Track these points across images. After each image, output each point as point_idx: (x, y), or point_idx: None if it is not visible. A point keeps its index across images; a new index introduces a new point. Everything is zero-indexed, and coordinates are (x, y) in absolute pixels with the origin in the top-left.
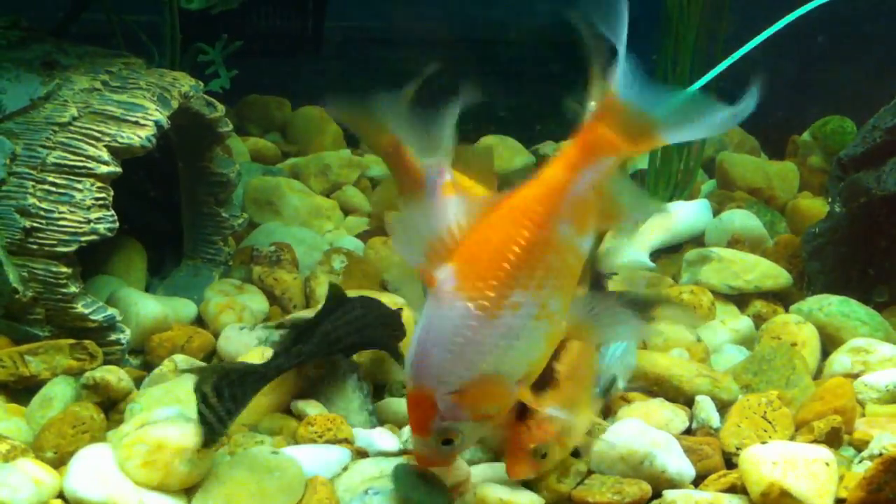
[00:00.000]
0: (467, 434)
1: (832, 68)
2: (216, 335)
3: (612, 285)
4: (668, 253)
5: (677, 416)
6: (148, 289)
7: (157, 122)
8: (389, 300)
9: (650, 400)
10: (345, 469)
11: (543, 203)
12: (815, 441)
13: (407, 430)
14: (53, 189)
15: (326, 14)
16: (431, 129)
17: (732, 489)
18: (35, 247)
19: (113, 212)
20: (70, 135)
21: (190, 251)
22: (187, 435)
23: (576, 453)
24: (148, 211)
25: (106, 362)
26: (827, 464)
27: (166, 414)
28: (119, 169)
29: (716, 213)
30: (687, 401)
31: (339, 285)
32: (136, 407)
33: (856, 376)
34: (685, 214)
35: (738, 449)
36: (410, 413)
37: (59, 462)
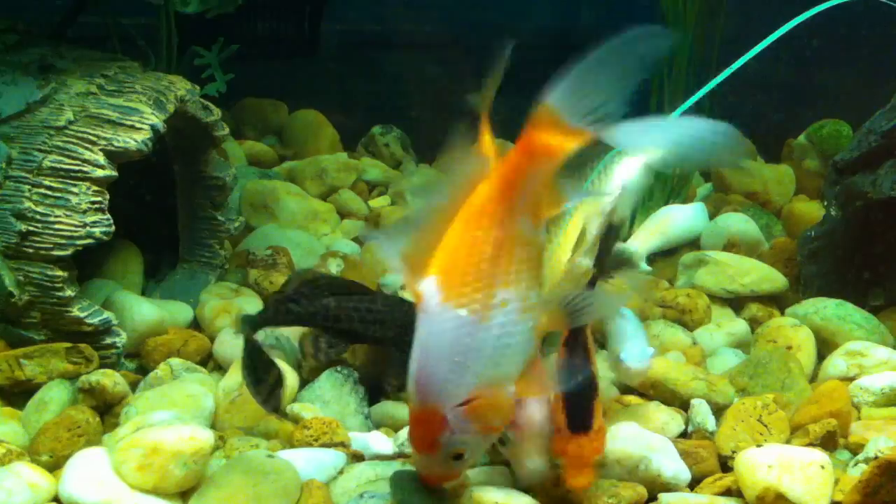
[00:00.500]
0: (475, 446)
1: (828, 72)
2: (212, 339)
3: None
4: (664, 256)
5: (673, 420)
6: (144, 292)
7: (153, 126)
8: None
9: (646, 403)
10: (340, 472)
11: (500, 202)
12: (811, 444)
13: (403, 433)
14: (49, 193)
15: (323, 17)
16: None
17: (728, 492)
18: (31, 250)
19: (109, 215)
20: (66, 138)
21: (186, 255)
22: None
23: None
24: (144, 215)
25: (102, 366)
26: (822, 467)
27: (162, 417)
28: (115, 173)
29: (712, 216)
30: (683, 404)
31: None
32: (131, 410)
33: (851, 379)
34: (681, 218)
35: (733, 452)
36: (416, 431)
37: (54, 466)
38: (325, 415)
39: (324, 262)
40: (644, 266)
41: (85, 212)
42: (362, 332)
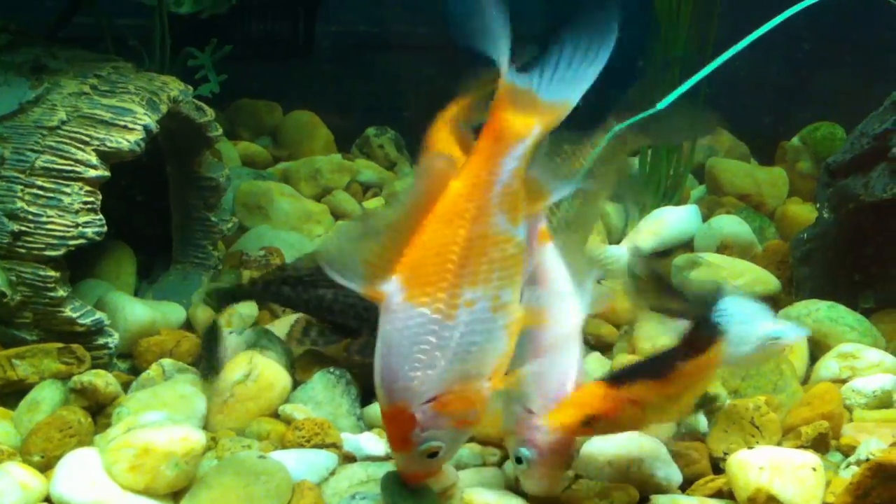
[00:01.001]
0: (449, 442)
1: (822, 74)
2: None
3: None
4: (657, 258)
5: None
6: (137, 293)
7: (145, 127)
8: None
9: None
10: (332, 474)
11: (472, 199)
12: (803, 446)
13: None
14: (42, 193)
15: (317, 18)
16: None
17: (720, 494)
18: (23, 250)
19: (101, 216)
20: (59, 139)
21: (179, 255)
22: None
23: None
24: (137, 215)
25: (94, 366)
26: (814, 469)
27: (153, 418)
28: (108, 173)
29: (705, 218)
30: None
31: None
32: (123, 411)
33: (843, 382)
34: (675, 220)
35: (725, 454)
36: (388, 431)
37: (46, 466)
38: (318, 416)
39: None
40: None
41: (77, 212)
42: (356, 328)
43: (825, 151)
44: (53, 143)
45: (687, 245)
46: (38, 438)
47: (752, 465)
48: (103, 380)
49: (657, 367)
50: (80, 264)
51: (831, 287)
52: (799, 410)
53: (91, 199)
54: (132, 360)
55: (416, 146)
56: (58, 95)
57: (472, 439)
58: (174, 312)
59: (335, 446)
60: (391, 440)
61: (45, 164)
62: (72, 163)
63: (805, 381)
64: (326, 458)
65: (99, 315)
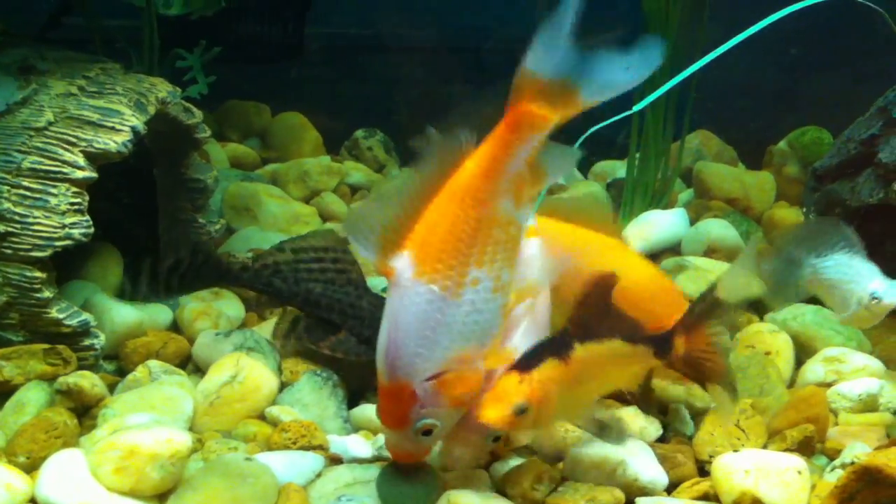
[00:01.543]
0: (445, 420)
1: (810, 79)
2: (192, 341)
3: None
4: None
5: (651, 424)
6: (123, 294)
7: (133, 128)
8: None
9: (625, 408)
10: (318, 476)
11: (485, 181)
12: (788, 450)
13: (381, 437)
14: (28, 194)
15: (306, 20)
16: None
17: (705, 497)
18: (9, 251)
19: (88, 217)
20: (46, 140)
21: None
22: None
23: (552, 460)
24: (124, 216)
25: (80, 368)
26: (799, 472)
27: (139, 420)
28: (95, 174)
29: (693, 222)
30: (661, 409)
31: None
32: (109, 412)
33: (829, 385)
34: (662, 224)
35: (711, 457)
36: (386, 407)
37: (31, 467)
38: (305, 418)
39: None
40: None
41: (64, 213)
42: (339, 324)
43: (812, 156)
44: (40, 144)
45: (674, 249)
46: (24, 440)
47: (738, 468)
48: (89, 381)
49: (556, 350)
50: (67, 265)
51: None
52: (785, 414)
53: (78, 200)
54: (118, 362)
55: (406, 148)
56: (45, 96)
57: None
58: (161, 314)
59: (322, 448)
60: (387, 417)
61: (32, 165)
62: (59, 164)
63: (791, 384)
64: (313, 461)
65: (85, 316)
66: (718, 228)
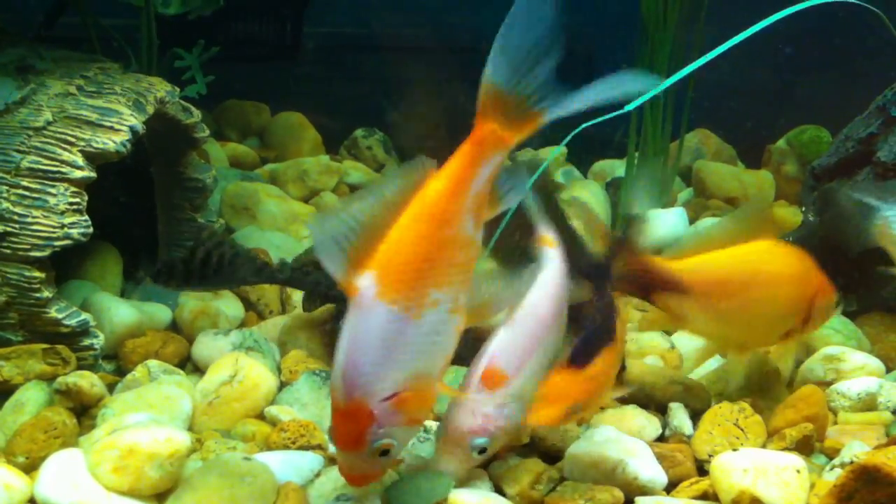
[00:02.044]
0: (401, 439)
1: (809, 78)
2: (191, 341)
3: None
4: None
5: (650, 424)
6: (123, 294)
7: (132, 128)
8: None
9: (623, 407)
10: (317, 475)
11: (449, 201)
12: (787, 449)
13: None
14: (27, 193)
15: (305, 20)
16: None
17: (704, 496)
18: (8, 251)
19: (87, 217)
20: (44, 139)
21: (165, 257)
22: None
23: (550, 460)
24: (124, 216)
25: (79, 367)
26: (798, 471)
27: (138, 419)
28: (93, 174)
29: (692, 221)
30: (660, 408)
31: None
32: (108, 412)
33: (828, 384)
34: (661, 222)
35: (709, 456)
36: (340, 428)
37: (30, 467)
38: (303, 417)
39: None
40: None
41: (63, 213)
42: None
43: (811, 154)
44: (39, 144)
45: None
46: (23, 439)
47: (737, 467)
48: (88, 381)
49: (605, 337)
50: (66, 265)
51: None
52: (784, 413)
53: (77, 199)
54: (118, 362)
55: (404, 148)
56: (44, 96)
57: None
58: (160, 313)
59: (320, 448)
60: (342, 438)
61: (31, 165)
62: (57, 163)
63: (790, 383)
64: (311, 460)
65: (84, 316)
66: None
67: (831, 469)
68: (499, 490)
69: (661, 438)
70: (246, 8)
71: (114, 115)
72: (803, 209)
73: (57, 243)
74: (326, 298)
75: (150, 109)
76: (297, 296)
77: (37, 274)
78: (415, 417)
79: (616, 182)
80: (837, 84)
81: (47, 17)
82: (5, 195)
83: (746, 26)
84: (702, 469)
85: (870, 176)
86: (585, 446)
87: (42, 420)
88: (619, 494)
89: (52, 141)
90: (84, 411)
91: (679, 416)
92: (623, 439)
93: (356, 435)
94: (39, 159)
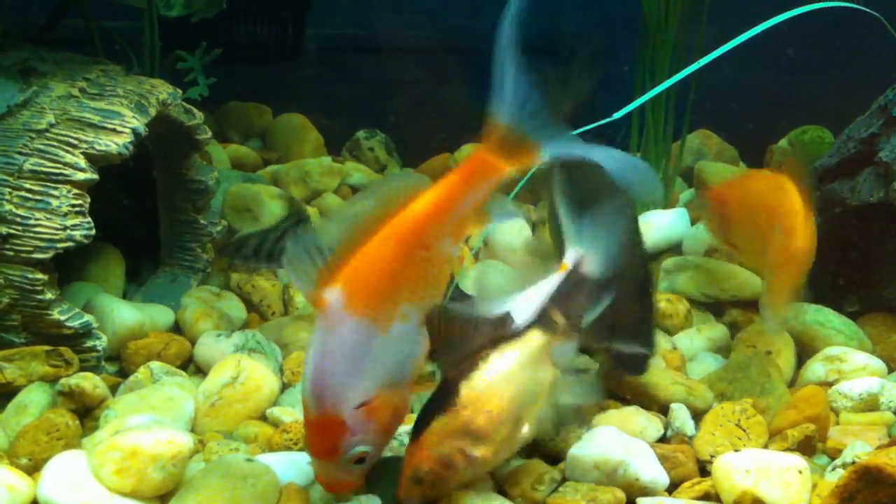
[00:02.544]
0: (376, 447)
1: (810, 79)
2: (193, 342)
3: None
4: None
5: (652, 424)
6: (125, 296)
7: (134, 130)
8: None
9: (625, 408)
10: None
11: (430, 224)
12: (789, 449)
13: None
14: (30, 196)
15: (307, 21)
16: None
17: (706, 497)
18: (11, 253)
19: (90, 219)
20: (47, 142)
21: (167, 258)
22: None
23: (552, 461)
24: (126, 218)
25: (82, 369)
26: (800, 472)
27: (141, 421)
28: (96, 176)
29: (693, 222)
30: (662, 408)
31: None
32: (110, 414)
33: (830, 385)
34: (663, 223)
35: (711, 457)
36: (314, 439)
37: (33, 469)
38: None
39: None
40: None
41: (65, 215)
42: None
43: (813, 155)
44: (42, 146)
45: (675, 249)
46: (26, 441)
47: (739, 467)
48: (91, 382)
49: (440, 403)
50: (68, 267)
51: (816, 291)
52: (785, 413)
53: (79, 201)
54: (120, 363)
55: (406, 149)
56: (46, 98)
57: None
58: (162, 315)
59: None
60: (317, 448)
61: (34, 167)
62: (60, 166)
63: (792, 383)
64: None
65: (87, 318)
66: None
67: (833, 469)
68: (500, 490)
69: (662, 439)
70: (248, 10)
71: (116, 118)
72: None
73: (59, 245)
74: None
75: (153, 111)
76: (299, 297)
77: (39, 276)
78: (388, 425)
79: None
80: (839, 85)
81: (49, 19)
82: (8, 197)
83: (747, 26)
84: (704, 470)
85: (871, 176)
86: (587, 447)
87: (45, 422)
88: (621, 495)
89: (55, 143)
90: (87, 413)
91: (681, 416)
92: (625, 440)
93: (329, 444)
94: (42, 161)
